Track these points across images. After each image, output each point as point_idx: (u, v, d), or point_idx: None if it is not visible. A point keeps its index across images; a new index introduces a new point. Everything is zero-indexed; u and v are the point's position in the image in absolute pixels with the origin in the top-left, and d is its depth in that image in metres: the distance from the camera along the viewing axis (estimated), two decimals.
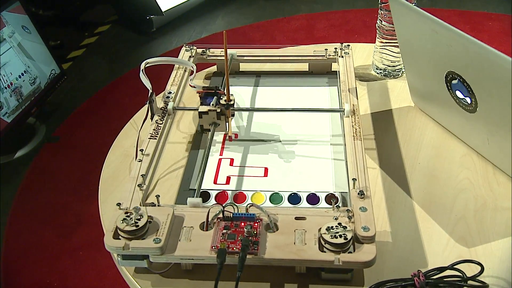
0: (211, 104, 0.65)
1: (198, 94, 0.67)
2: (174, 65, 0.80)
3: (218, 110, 0.65)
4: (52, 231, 1.46)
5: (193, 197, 0.61)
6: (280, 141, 0.71)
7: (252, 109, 0.78)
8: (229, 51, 0.82)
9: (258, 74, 0.86)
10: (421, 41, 0.65)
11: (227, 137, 0.70)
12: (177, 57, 0.81)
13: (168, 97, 0.72)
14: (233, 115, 0.67)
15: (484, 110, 0.61)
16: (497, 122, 0.60)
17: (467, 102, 0.63)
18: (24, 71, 1.70)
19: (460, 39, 0.57)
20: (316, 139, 0.71)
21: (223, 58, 0.83)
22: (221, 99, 0.65)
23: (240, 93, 0.81)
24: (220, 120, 0.66)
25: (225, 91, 0.65)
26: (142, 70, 0.69)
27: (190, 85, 0.73)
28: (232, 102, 0.65)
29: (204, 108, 0.65)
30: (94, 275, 1.32)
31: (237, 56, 0.82)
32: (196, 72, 0.88)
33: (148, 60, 0.72)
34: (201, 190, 0.62)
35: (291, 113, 0.76)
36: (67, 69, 2.22)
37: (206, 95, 0.66)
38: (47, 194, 1.59)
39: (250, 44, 0.87)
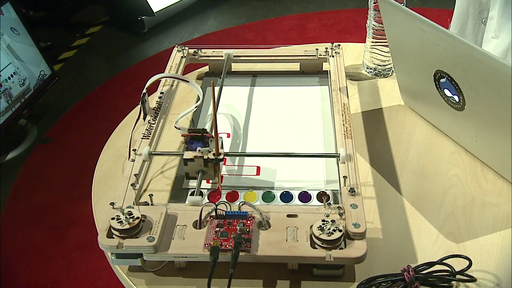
0: (197, 150, 0.57)
1: (183, 137, 0.60)
2: (166, 65, 0.80)
3: (206, 157, 0.57)
4: (45, 232, 1.45)
5: (188, 195, 0.62)
6: (273, 140, 0.71)
7: (243, 154, 0.69)
8: (226, 51, 0.83)
9: (250, 74, 0.86)
10: (410, 41, 0.66)
11: (217, 186, 0.63)
12: (169, 58, 0.81)
13: (160, 97, 0.73)
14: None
15: (472, 108, 0.62)
16: (485, 120, 0.61)
17: (455, 100, 0.64)
18: (14, 72, 1.69)
19: (447, 38, 0.58)
20: (308, 137, 0.71)
21: (215, 58, 0.84)
22: (209, 144, 0.58)
23: (232, 93, 0.81)
24: (207, 168, 0.57)
25: (213, 133, 0.56)
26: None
27: (175, 126, 0.65)
28: (221, 157, 0.57)
29: (189, 155, 0.57)
30: (88, 276, 1.32)
31: (234, 56, 0.83)
32: (189, 72, 0.89)
33: (161, 75, 0.70)
34: (194, 189, 0.63)
35: (283, 113, 0.77)
36: (58, 70, 2.22)
37: (192, 139, 0.58)
38: (40, 195, 1.58)
39: (242, 44, 0.87)
